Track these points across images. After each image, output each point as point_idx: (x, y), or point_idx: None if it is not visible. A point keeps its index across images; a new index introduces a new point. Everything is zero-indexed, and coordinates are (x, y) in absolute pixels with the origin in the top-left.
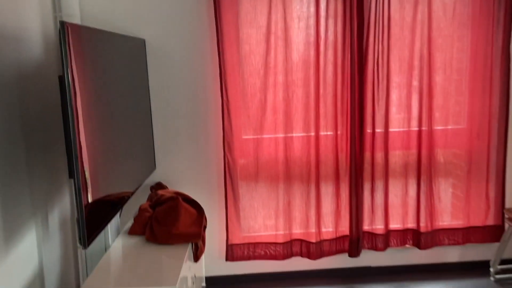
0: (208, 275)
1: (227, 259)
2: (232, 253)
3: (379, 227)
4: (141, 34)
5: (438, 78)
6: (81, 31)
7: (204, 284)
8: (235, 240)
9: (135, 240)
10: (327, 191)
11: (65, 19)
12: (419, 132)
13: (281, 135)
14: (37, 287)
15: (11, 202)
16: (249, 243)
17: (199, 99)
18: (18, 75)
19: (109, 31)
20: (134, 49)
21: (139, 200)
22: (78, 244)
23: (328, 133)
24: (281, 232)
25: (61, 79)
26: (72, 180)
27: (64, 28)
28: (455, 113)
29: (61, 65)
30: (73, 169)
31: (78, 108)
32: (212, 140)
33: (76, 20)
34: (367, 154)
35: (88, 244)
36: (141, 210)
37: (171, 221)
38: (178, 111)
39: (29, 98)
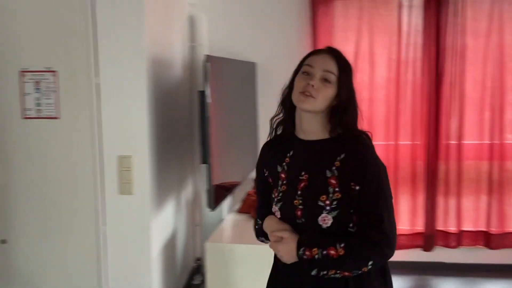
0: None
1: None
2: None
3: (452, 228)
4: (253, 58)
5: (509, 98)
6: (214, 59)
7: None
8: None
9: (242, 217)
10: (404, 191)
11: (198, 47)
12: (491, 145)
13: None
14: (172, 244)
15: (162, 181)
16: None
17: None
18: (167, 90)
19: (231, 58)
20: (247, 71)
21: (245, 188)
22: (207, 207)
23: (407, 142)
24: None
25: (202, 93)
26: (202, 166)
27: (206, 59)
28: None
29: (203, 83)
30: (206, 156)
31: (211, 114)
32: None
33: (205, 48)
34: (442, 163)
35: (215, 207)
36: (248, 194)
37: None
38: None
39: (172, 106)
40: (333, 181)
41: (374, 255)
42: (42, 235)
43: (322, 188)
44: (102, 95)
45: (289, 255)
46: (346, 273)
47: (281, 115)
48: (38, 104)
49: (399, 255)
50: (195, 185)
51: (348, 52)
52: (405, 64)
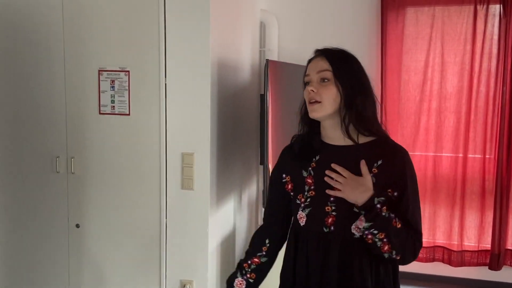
0: None
1: None
2: None
3: None
4: None
5: None
6: (275, 64)
7: None
8: None
9: None
10: (471, 206)
11: (267, 52)
12: None
13: (431, 153)
14: (231, 241)
15: (223, 179)
16: None
17: None
18: (233, 92)
19: (296, 63)
20: None
21: None
22: (263, 207)
23: (476, 155)
24: (425, 237)
25: (262, 97)
26: (262, 166)
27: (267, 63)
28: None
29: (264, 87)
30: (263, 158)
31: (270, 117)
32: None
33: (274, 53)
34: None
35: None
36: None
37: None
38: None
39: (238, 108)
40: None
41: (411, 249)
42: (110, 222)
43: None
44: (168, 94)
45: (358, 194)
46: (387, 246)
47: (306, 129)
48: (113, 101)
49: (464, 272)
50: (258, 186)
51: (418, 60)
52: (478, 74)
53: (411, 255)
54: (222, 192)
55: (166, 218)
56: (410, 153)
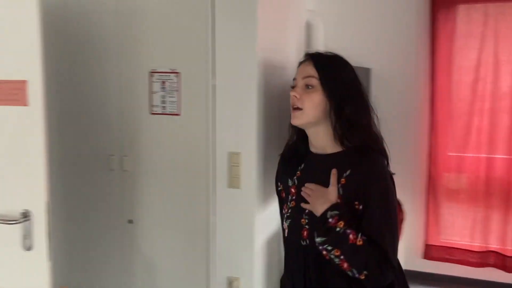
0: (405, 268)
1: (424, 257)
2: (430, 252)
3: None
4: (368, 63)
5: None
6: None
7: None
8: (433, 241)
9: None
10: None
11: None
12: None
13: (483, 155)
14: (277, 239)
15: (270, 179)
16: (446, 247)
17: (409, 118)
18: (279, 93)
19: None
20: (360, 76)
21: None
22: None
23: None
24: (477, 242)
25: None
26: None
27: None
28: None
29: None
30: None
31: None
32: (417, 154)
33: None
34: None
35: None
36: None
37: None
38: (392, 124)
39: (284, 108)
40: (338, 200)
41: (375, 269)
42: (161, 218)
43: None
44: (217, 95)
45: (318, 206)
46: (346, 265)
47: (294, 137)
48: (163, 102)
49: (491, 275)
50: None
51: (470, 59)
52: None
53: (378, 276)
54: (269, 191)
55: (214, 216)
56: (460, 154)
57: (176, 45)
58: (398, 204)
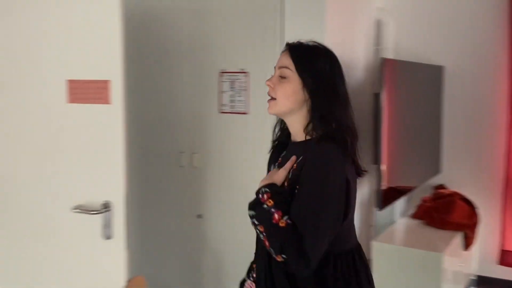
0: (479, 274)
1: (500, 263)
2: (506, 258)
3: None
4: (441, 61)
5: None
6: (392, 62)
7: (473, 277)
8: (509, 247)
9: (415, 222)
10: None
11: (382, 50)
12: None
13: None
14: None
15: None
16: None
17: (485, 118)
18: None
19: (414, 61)
20: (433, 74)
21: (422, 193)
22: (375, 208)
23: None
24: None
25: (377, 95)
26: (375, 166)
27: (383, 62)
28: None
29: (379, 85)
30: (377, 157)
31: (385, 116)
32: (494, 155)
33: (390, 51)
34: None
35: (382, 208)
36: (422, 201)
37: (447, 212)
38: (467, 124)
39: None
40: (285, 184)
41: (293, 255)
42: (229, 213)
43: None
44: None
45: (260, 184)
46: (267, 243)
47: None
48: (232, 101)
49: None
50: (371, 186)
51: None
52: None
53: (295, 264)
54: None
55: None
56: None
57: (245, 47)
58: (472, 207)
